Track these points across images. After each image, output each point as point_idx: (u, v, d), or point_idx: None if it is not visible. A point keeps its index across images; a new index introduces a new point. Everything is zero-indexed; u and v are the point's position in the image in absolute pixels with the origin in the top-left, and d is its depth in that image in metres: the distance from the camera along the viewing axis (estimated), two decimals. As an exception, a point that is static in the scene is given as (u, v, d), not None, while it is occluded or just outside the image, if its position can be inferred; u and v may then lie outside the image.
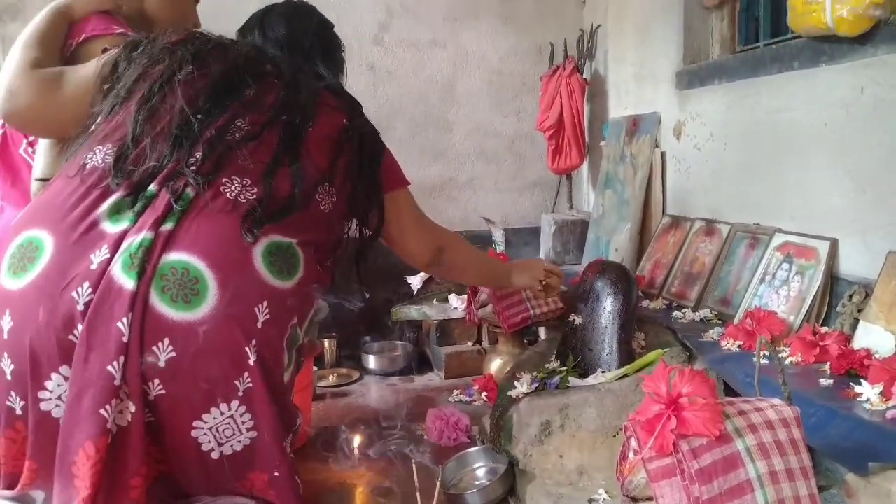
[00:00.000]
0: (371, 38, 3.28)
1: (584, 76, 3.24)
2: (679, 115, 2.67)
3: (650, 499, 1.17)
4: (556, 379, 1.89)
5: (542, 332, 2.67)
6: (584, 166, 3.39)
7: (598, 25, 3.26)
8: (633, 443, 1.18)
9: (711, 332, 2.03)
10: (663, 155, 2.77)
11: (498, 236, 3.26)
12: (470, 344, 2.99)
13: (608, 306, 1.96)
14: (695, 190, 2.60)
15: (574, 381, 1.89)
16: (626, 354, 1.93)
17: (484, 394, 2.56)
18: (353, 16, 3.22)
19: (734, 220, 2.34)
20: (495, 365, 2.59)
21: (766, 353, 1.61)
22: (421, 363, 3.11)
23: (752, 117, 2.25)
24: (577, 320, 2.01)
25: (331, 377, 2.98)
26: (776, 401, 1.20)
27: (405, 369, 3.05)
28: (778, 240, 2.09)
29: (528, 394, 1.85)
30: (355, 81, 3.27)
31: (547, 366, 2.00)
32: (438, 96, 3.38)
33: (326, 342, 3.06)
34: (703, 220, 2.49)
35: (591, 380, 1.87)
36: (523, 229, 3.50)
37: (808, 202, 2.03)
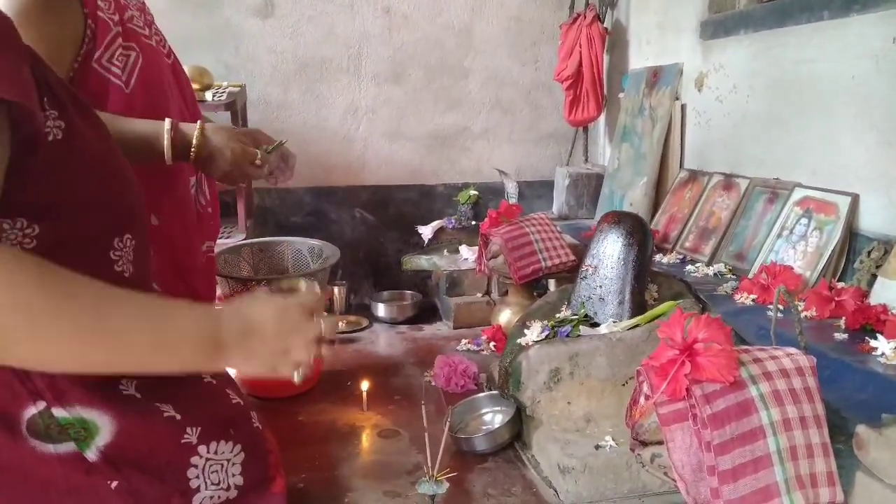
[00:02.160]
0: (388, -19, 3.20)
1: (605, 25, 3.16)
2: (702, 66, 2.60)
3: (660, 442, 1.16)
4: (567, 327, 1.88)
5: (551, 284, 2.66)
6: (602, 119, 3.33)
7: (621, -28, 3.17)
8: (646, 387, 1.17)
9: (725, 286, 2.01)
10: (683, 107, 2.71)
11: (511, 188, 3.23)
12: (479, 295, 2.98)
13: (622, 256, 1.94)
14: (714, 143, 2.55)
15: (585, 329, 1.88)
16: (639, 305, 1.91)
17: (492, 343, 2.56)
18: (370, -43, 3.14)
19: (753, 175, 2.30)
20: (504, 316, 2.59)
21: (782, 307, 1.60)
22: (430, 313, 3.12)
23: (778, 69, 2.19)
24: (590, 269, 1.99)
25: (340, 324, 2.99)
26: (792, 349, 1.18)
27: (414, 318, 3.06)
28: (797, 195, 2.05)
29: (538, 341, 1.85)
30: (371, 25, 3.25)
31: (558, 315, 1.99)
32: (455, 42, 3.31)
33: (336, 289, 3.06)
34: (722, 175, 2.45)
35: (602, 329, 1.86)
36: (536, 182, 3.46)
37: (830, 157, 1.98)
